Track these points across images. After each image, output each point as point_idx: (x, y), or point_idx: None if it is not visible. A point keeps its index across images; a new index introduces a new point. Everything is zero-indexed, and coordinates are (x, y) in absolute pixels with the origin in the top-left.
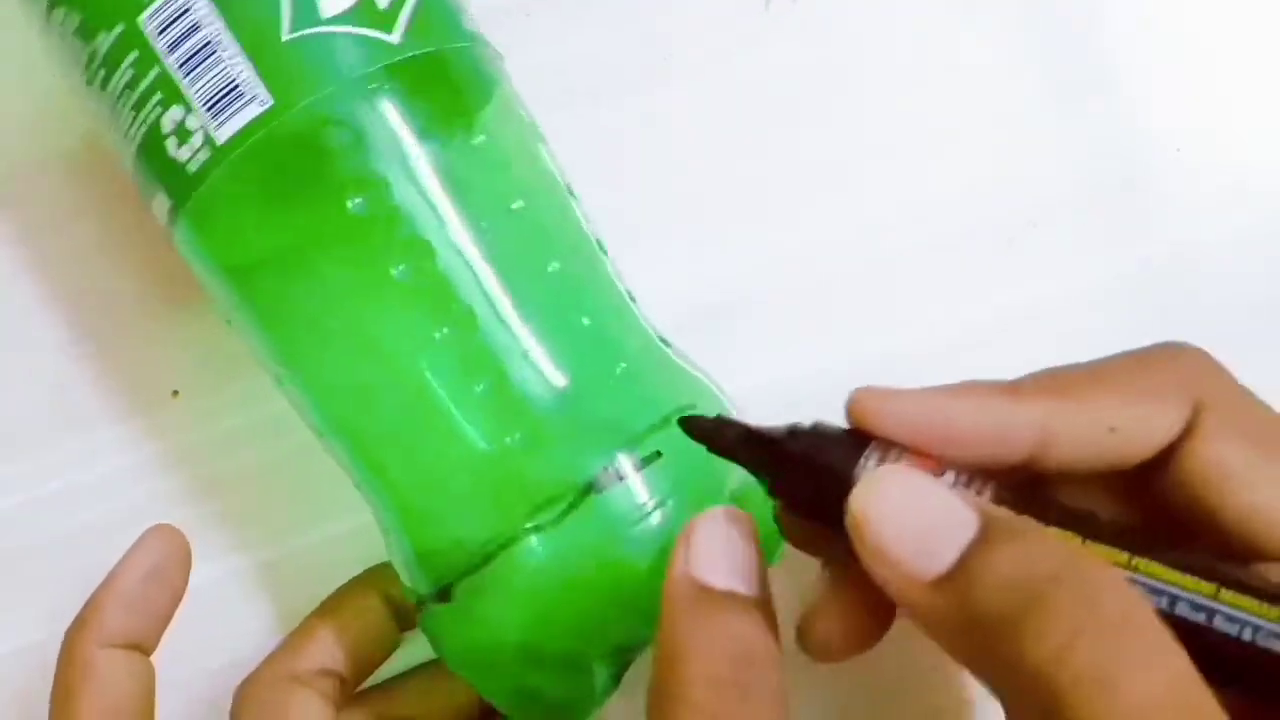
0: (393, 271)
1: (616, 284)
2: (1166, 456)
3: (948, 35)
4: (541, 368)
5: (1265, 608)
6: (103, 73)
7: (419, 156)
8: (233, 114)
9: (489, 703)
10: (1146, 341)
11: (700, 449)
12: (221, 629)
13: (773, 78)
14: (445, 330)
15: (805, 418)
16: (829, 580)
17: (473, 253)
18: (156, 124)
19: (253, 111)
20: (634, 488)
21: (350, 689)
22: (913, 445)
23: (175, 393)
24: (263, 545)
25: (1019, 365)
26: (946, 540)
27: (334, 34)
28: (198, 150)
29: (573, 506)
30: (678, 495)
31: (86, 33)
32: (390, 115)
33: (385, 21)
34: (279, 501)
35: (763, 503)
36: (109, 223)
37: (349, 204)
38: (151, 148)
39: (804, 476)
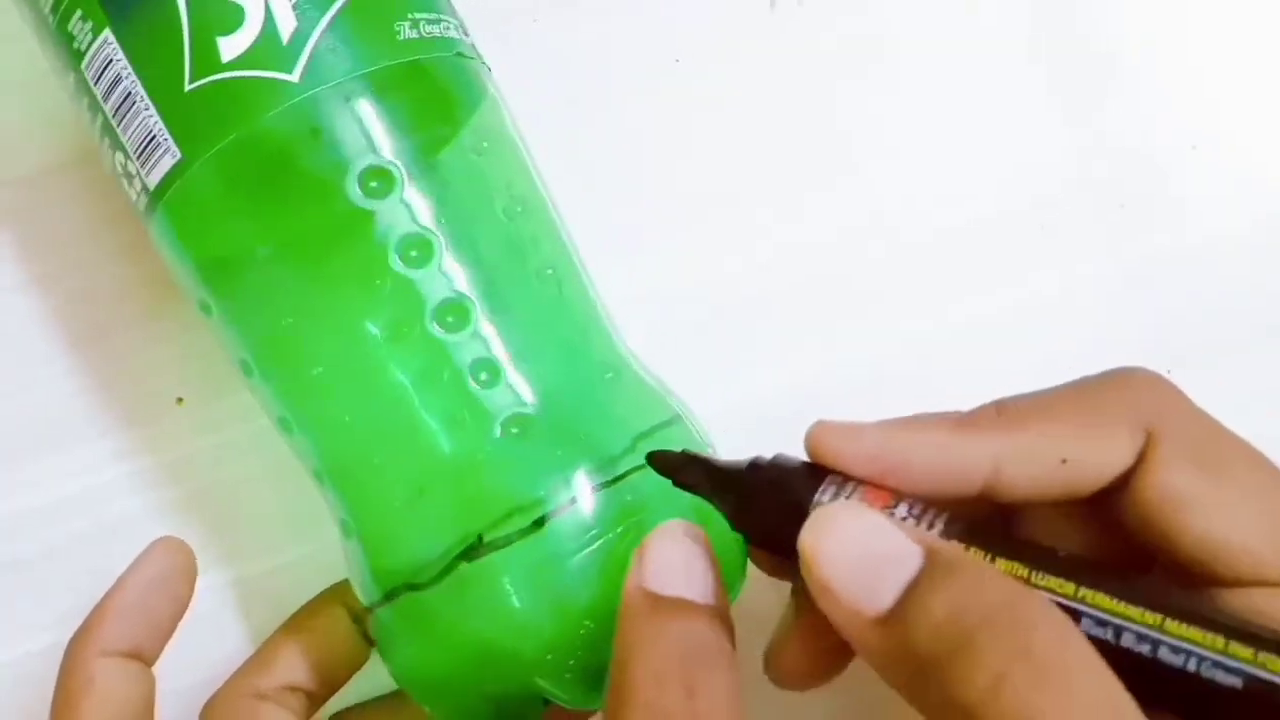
0: (350, 278)
1: (592, 301)
2: (1121, 485)
3: (955, 34)
4: (508, 382)
5: (1210, 638)
6: (77, 103)
7: (376, 170)
8: (155, 164)
9: None
10: (1153, 337)
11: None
12: (214, 641)
13: (778, 80)
14: (407, 341)
15: (807, 417)
16: (793, 609)
17: (428, 276)
18: (112, 162)
19: (167, 163)
20: (591, 512)
21: (317, 704)
22: (868, 479)
23: (180, 400)
24: (262, 555)
25: (1027, 362)
26: (890, 578)
27: (233, 79)
28: (139, 194)
29: (532, 525)
30: (640, 519)
31: (61, 71)
32: (333, 137)
33: (285, 61)
34: (281, 510)
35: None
36: (113, 231)
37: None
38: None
39: (763, 510)
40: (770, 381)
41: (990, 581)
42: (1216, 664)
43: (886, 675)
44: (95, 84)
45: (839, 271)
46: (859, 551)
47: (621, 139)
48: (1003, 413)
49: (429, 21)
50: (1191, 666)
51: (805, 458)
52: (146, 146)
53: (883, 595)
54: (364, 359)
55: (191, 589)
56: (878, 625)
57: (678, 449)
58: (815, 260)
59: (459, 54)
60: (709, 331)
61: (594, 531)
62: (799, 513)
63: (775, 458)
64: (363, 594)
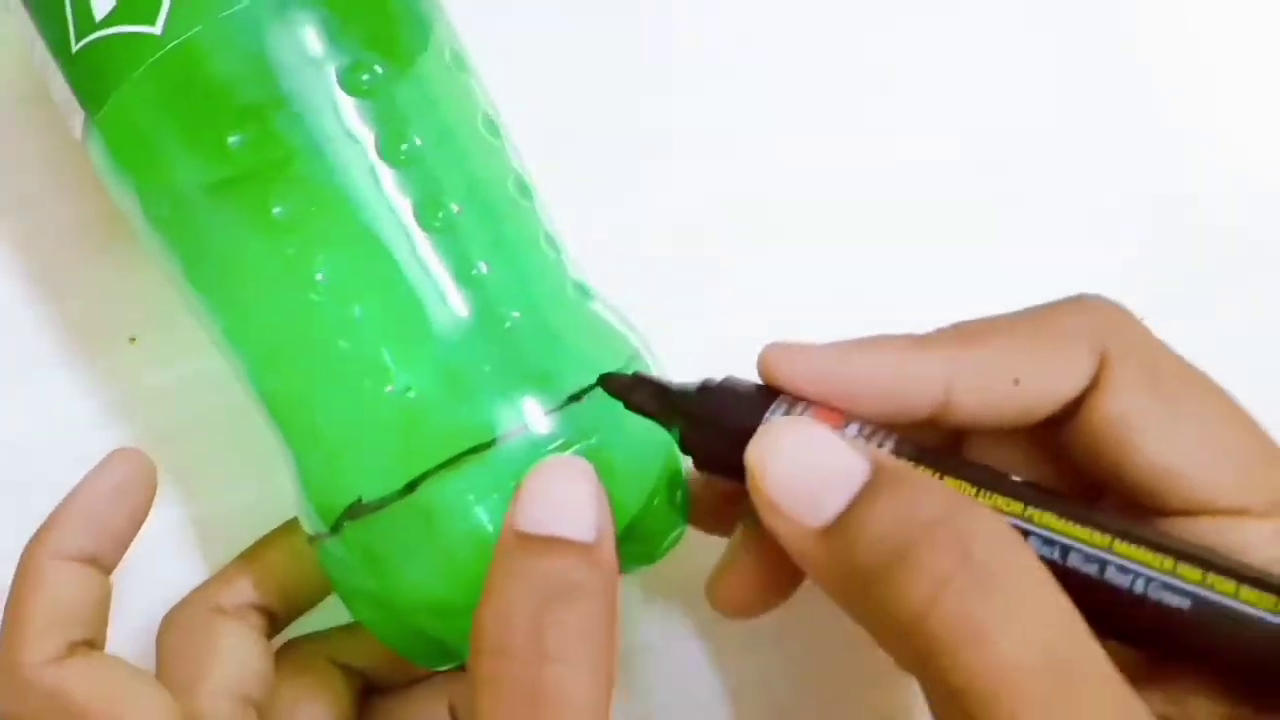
0: (278, 210)
1: (535, 228)
2: (1071, 412)
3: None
4: (442, 311)
5: (1159, 559)
6: None
7: (305, 93)
8: (72, 115)
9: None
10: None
11: (603, 414)
12: (171, 577)
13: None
14: (337, 269)
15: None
16: (739, 537)
17: (366, 191)
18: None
19: (79, 118)
20: (540, 437)
21: (279, 627)
22: (819, 398)
23: (133, 339)
24: (218, 494)
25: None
26: (835, 490)
27: (106, 38)
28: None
29: (475, 452)
30: (591, 443)
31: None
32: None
33: (148, 14)
34: (236, 449)
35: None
36: (68, 166)
37: (230, 142)
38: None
39: (713, 431)
40: (737, 321)
41: (934, 493)
42: (1165, 585)
43: (830, 590)
44: (30, 43)
45: (809, 212)
46: (805, 465)
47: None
48: (958, 332)
49: None
50: (1139, 588)
51: (759, 381)
52: (64, 100)
53: (827, 507)
54: (337, 262)
55: (150, 498)
56: (822, 537)
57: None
58: (783, 201)
59: None
60: (675, 268)
61: (545, 454)
62: (747, 434)
63: (726, 379)
64: (308, 524)
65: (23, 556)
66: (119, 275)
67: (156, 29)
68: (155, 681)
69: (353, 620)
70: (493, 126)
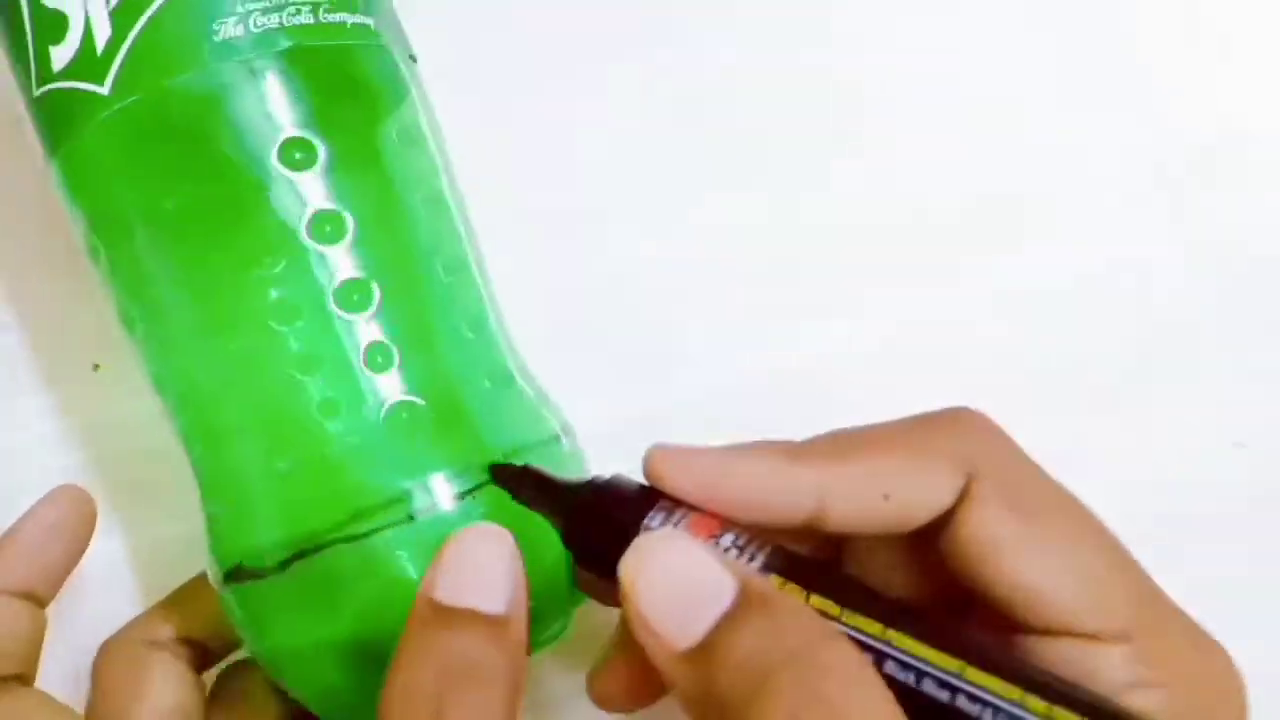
0: (202, 271)
1: (467, 312)
2: (941, 524)
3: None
4: (398, 371)
5: (1008, 688)
6: None
7: (243, 162)
8: (37, 143)
9: None
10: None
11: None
12: (119, 603)
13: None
14: (254, 333)
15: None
16: (617, 635)
17: (292, 267)
18: None
19: (39, 150)
20: (446, 517)
21: (212, 661)
22: (699, 503)
23: (96, 366)
24: (170, 522)
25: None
26: (702, 611)
27: (60, 90)
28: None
29: (386, 525)
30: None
31: None
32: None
33: (98, 73)
34: (192, 479)
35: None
36: (29, 195)
37: (166, 203)
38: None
39: (593, 530)
40: (670, 390)
41: (796, 621)
42: (1011, 716)
43: (691, 712)
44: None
45: (751, 269)
46: (675, 582)
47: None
48: (833, 443)
49: (265, 10)
50: (987, 718)
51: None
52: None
53: (693, 629)
54: (255, 330)
55: (89, 536)
56: (686, 660)
57: (535, 465)
58: (722, 259)
59: (301, 46)
60: (615, 331)
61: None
62: (626, 536)
63: (613, 478)
64: (213, 572)
65: None
66: (86, 302)
67: (104, 89)
68: (76, 716)
69: (170, 593)
70: (437, 201)
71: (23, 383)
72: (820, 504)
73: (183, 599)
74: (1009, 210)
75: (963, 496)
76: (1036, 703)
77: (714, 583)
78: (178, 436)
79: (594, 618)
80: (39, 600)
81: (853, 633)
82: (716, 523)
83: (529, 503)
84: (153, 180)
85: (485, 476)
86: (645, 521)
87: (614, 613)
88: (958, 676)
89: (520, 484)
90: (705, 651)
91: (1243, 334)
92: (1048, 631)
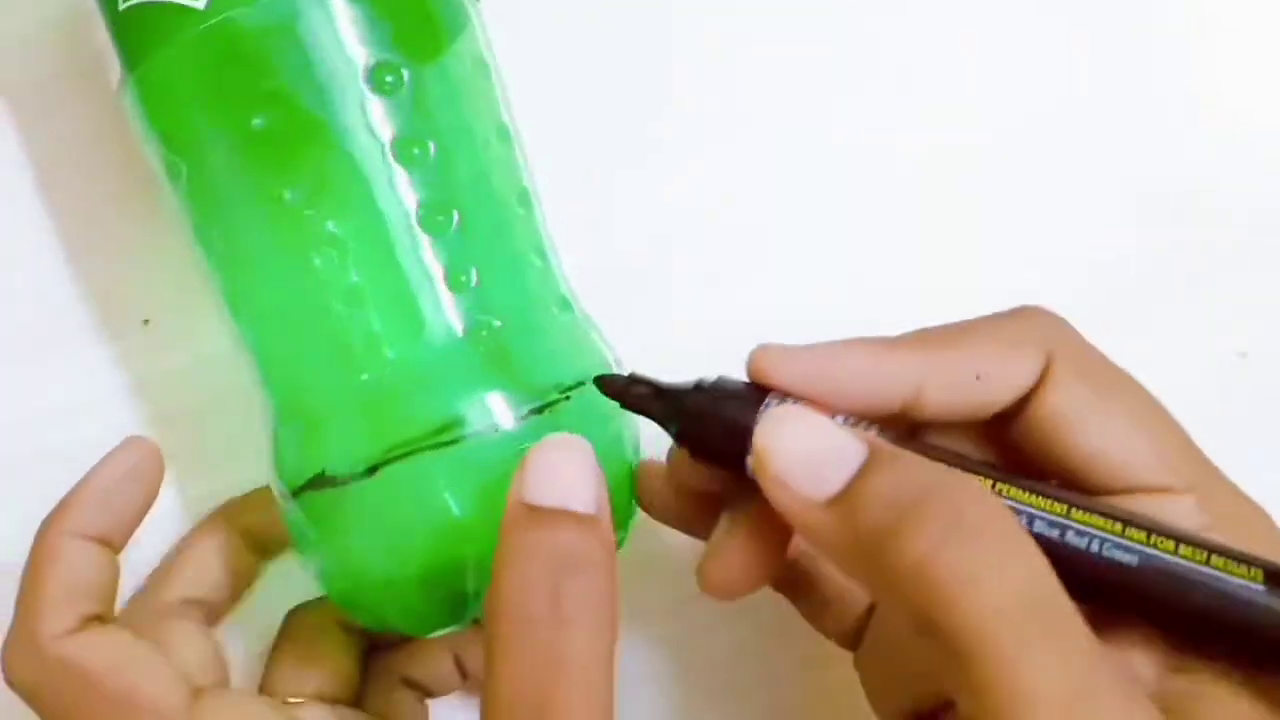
0: (288, 192)
1: (531, 238)
2: (1022, 406)
3: None
4: (429, 310)
5: (1109, 523)
6: None
7: (331, 86)
8: (112, 66)
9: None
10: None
11: (586, 414)
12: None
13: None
14: (337, 253)
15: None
16: (724, 525)
17: (371, 187)
18: None
19: (117, 71)
20: (507, 438)
21: (219, 615)
22: (803, 395)
23: (146, 321)
24: (222, 474)
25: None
26: (837, 467)
27: (150, 5)
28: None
29: (447, 442)
30: None
31: None
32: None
33: None
34: (243, 431)
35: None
36: (82, 151)
37: (254, 122)
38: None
39: (707, 427)
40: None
41: (927, 467)
42: (1116, 544)
43: (834, 555)
44: None
45: (805, 203)
46: (809, 446)
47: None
48: (923, 336)
49: None
50: (1094, 547)
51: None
52: (106, 49)
53: (831, 481)
54: (338, 249)
55: (158, 485)
56: (827, 508)
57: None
58: (773, 195)
59: None
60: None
61: (506, 453)
62: (742, 428)
63: (718, 379)
64: (275, 484)
65: (38, 534)
66: (137, 259)
67: (200, 4)
68: (163, 653)
69: None
70: (505, 134)
71: (74, 339)
72: (917, 389)
73: (177, 560)
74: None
75: (1043, 377)
76: (1137, 532)
77: (845, 442)
78: (251, 358)
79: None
80: (113, 546)
81: None
82: (824, 409)
83: (641, 407)
84: (240, 100)
85: (553, 397)
86: (761, 410)
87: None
88: (1064, 517)
89: (629, 390)
90: (847, 498)
91: (1244, 243)
92: (1125, 490)
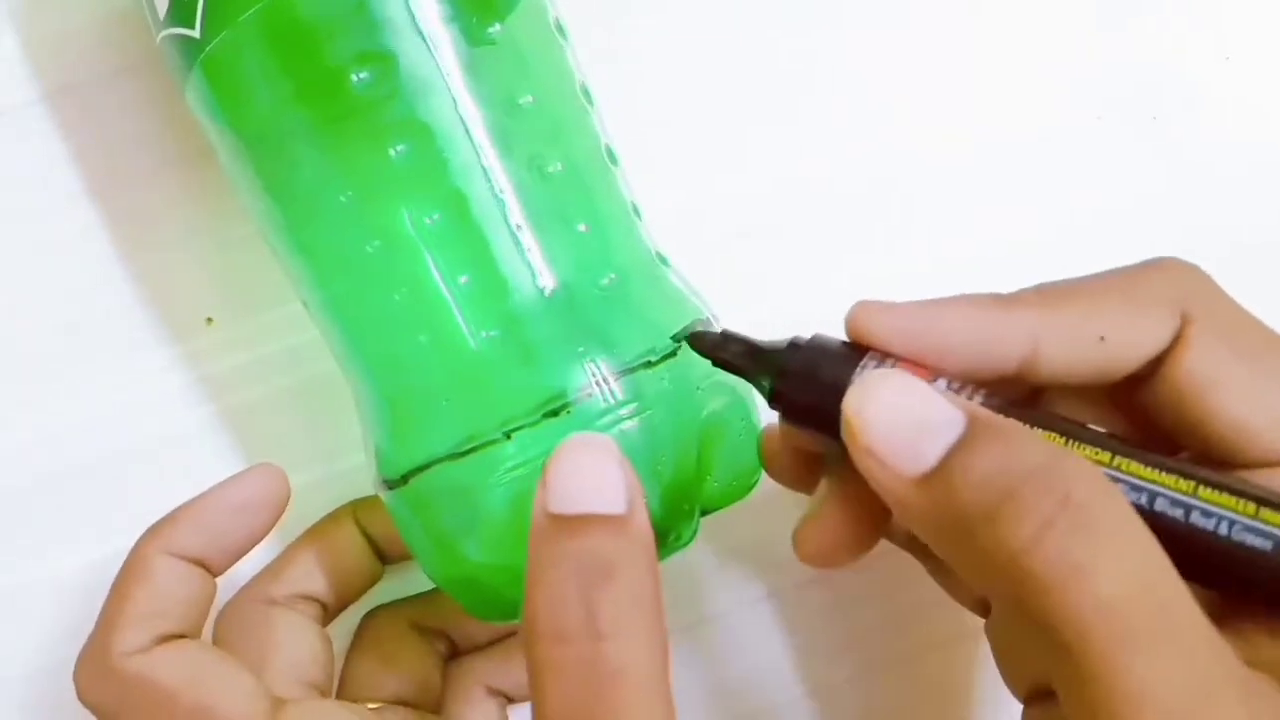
0: (390, 152)
1: (623, 196)
2: (1154, 368)
3: None
4: (532, 268)
5: (1241, 504)
6: None
7: (429, 38)
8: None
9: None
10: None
11: (681, 370)
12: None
13: None
14: (436, 217)
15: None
16: (824, 490)
17: (472, 142)
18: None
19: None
20: (611, 399)
21: (331, 615)
22: (907, 355)
23: (209, 320)
24: (290, 473)
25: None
26: (933, 439)
27: (168, 36)
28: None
29: (549, 413)
30: (656, 409)
31: None
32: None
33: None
34: (307, 430)
35: (744, 429)
36: (158, 144)
37: (353, 79)
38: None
39: (803, 386)
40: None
41: (1032, 442)
42: (1248, 528)
43: (927, 533)
44: None
45: (870, 190)
46: (902, 415)
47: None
48: (1042, 292)
49: None
50: (1223, 530)
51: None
52: (167, 35)
53: (926, 455)
54: (405, 228)
55: (274, 519)
56: (921, 485)
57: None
58: (847, 178)
59: None
60: (741, 245)
61: (610, 418)
62: (838, 388)
63: (814, 337)
64: (376, 474)
65: (136, 546)
66: (197, 257)
67: (195, 33)
68: (242, 666)
69: (433, 586)
70: (588, 94)
71: (137, 339)
72: (1033, 350)
73: (297, 553)
74: None
75: (1178, 339)
76: (1273, 515)
77: (942, 413)
78: (343, 347)
79: None
80: (210, 570)
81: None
82: (926, 371)
83: (732, 365)
84: (329, 60)
85: (659, 356)
86: (856, 371)
87: None
88: (1190, 496)
89: (723, 347)
90: (942, 474)
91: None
92: (1264, 464)
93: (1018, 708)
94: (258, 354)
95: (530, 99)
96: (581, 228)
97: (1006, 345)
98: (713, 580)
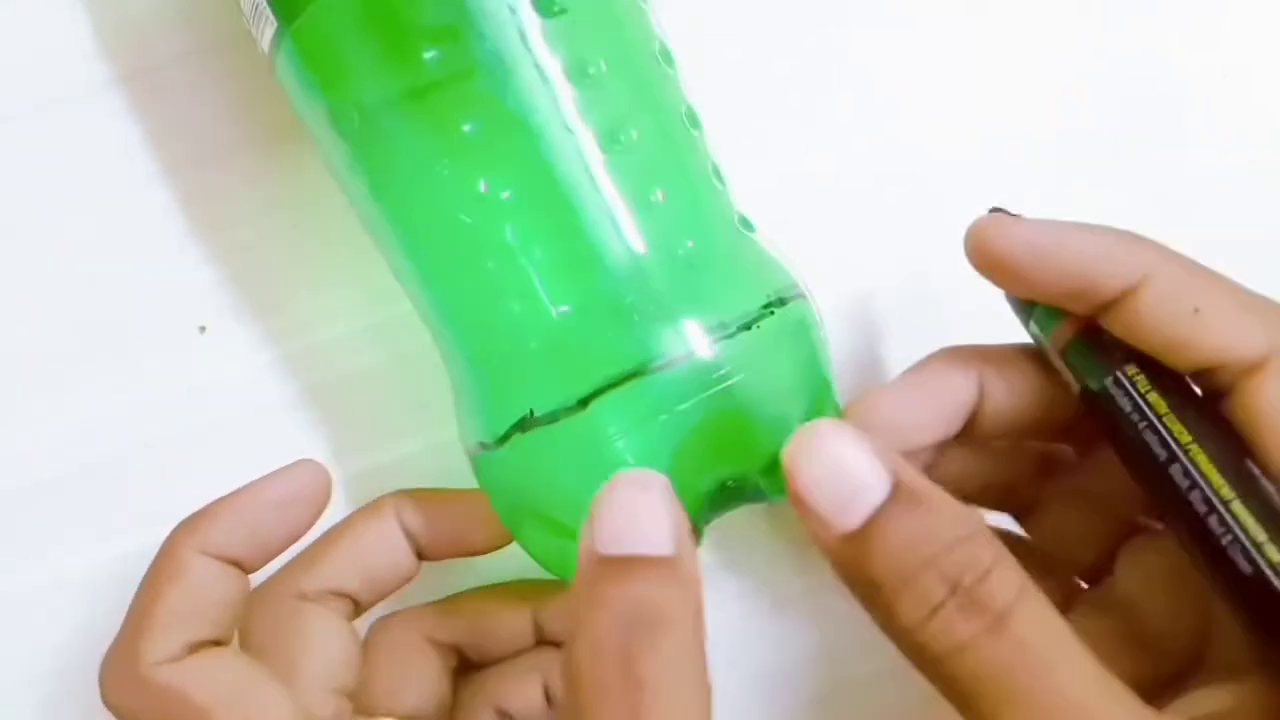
0: (469, 125)
1: (704, 160)
2: (1226, 387)
3: None
4: (619, 236)
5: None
6: None
7: (501, 12)
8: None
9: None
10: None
11: (765, 336)
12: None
13: None
14: (520, 187)
15: None
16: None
17: (550, 112)
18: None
19: (273, 25)
20: (701, 364)
21: (361, 611)
22: (1026, 270)
23: (202, 329)
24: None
25: None
26: (859, 501)
27: None
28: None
29: (634, 376)
30: (739, 375)
31: None
32: None
33: None
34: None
35: (825, 398)
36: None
37: (429, 53)
38: None
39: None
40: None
41: (942, 520)
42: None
43: (848, 584)
44: None
45: (877, 185)
46: (834, 472)
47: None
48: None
49: None
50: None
51: None
52: (254, 9)
53: (851, 517)
54: (496, 196)
55: (316, 516)
56: (844, 542)
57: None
58: (854, 173)
59: None
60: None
61: (705, 381)
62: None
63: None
64: (473, 436)
65: (168, 541)
66: (191, 263)
67: None
68: (278, 683)
69: (445, 597)
70: (668, 56)
71: (130, 346)
72: (1139, 287)
73: (329, 547)
74: None
75: (1258, 366)
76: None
77: (868, 475)
78: (434, 312)
79: None
80: (244, 567)
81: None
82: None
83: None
84: (405, 36)
85: (750, 317)
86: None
87: None
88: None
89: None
90: (862, 538)
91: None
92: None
93: None
94: (252, 361)
95: (604, 66)
96: (660, 194)
97: (1116, 273)
98: (723, 580)
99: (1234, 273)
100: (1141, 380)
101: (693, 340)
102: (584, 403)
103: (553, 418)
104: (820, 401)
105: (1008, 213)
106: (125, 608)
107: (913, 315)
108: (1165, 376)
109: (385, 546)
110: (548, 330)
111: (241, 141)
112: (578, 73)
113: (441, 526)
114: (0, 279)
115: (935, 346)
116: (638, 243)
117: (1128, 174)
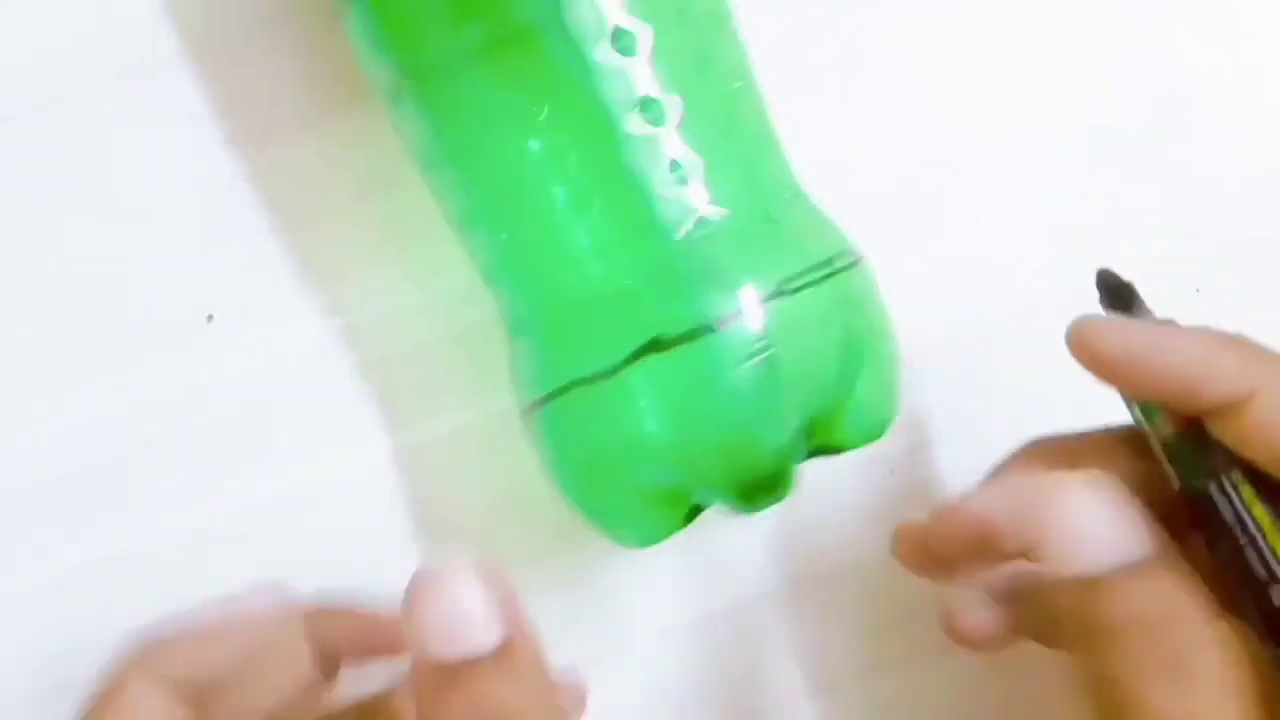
0: (536, 82)
1: (768, 124)
2: None
3: None
4: (684, 196)
5: None
6: None
7: None
8: None
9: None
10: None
11: (826, 297)
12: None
13: None
14: (592, 146)
15: None
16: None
17: (630, 70)
18: None
19: None
20: (754, 326)
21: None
22: (1123, 371)
23: (210, 318)
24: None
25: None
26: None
27: None
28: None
29: (693, 336)
30: (799, 337)
31: None
32: None
33: None
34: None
35: (886, 359)
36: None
37: (501, 7)
38: None
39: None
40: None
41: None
42: None
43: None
44: None
45: (915, 169)
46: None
47: None
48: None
49: None
50: None
51: None
52: None
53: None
54: (560, 153)
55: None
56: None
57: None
58: (891, 157)
59: None
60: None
61: (755, 346)
62: None
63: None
64: (530, 391)
65: (118, 673)
66: (198, 251)
67: None
68: None
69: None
70: (725, 18)
71: (137, 338)
72: (1248, 399)
73: (259, 670)
74: None
75: None
76: None
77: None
78: (493, 267)
79: None
80: (196, 694)
81: None
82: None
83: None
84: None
85: (800, 281)
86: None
87: None
88: None
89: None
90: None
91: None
92: None
93: (1025, 708)
94: (259, 351)
95: (673, 26)
96: (708, 160)
97: (1222, 384)
98: (721, 573)
99: (1260, 270)
100: (1246, 490)
101: (742, 302)
102: (637, 360)
103: (607, 374)
104: (876, 376)
105: (1095, 318)
106: (125, 608)
107: (949, 299)
108: (1271, 489)
109: (290, 668)
110: (611, 290)
111: (241, 141)
112: (622, 39)
113: (353, 632)
114: (0, 279)
115: (973, 333)
116: (705, 201)
117: (1152, 169)
